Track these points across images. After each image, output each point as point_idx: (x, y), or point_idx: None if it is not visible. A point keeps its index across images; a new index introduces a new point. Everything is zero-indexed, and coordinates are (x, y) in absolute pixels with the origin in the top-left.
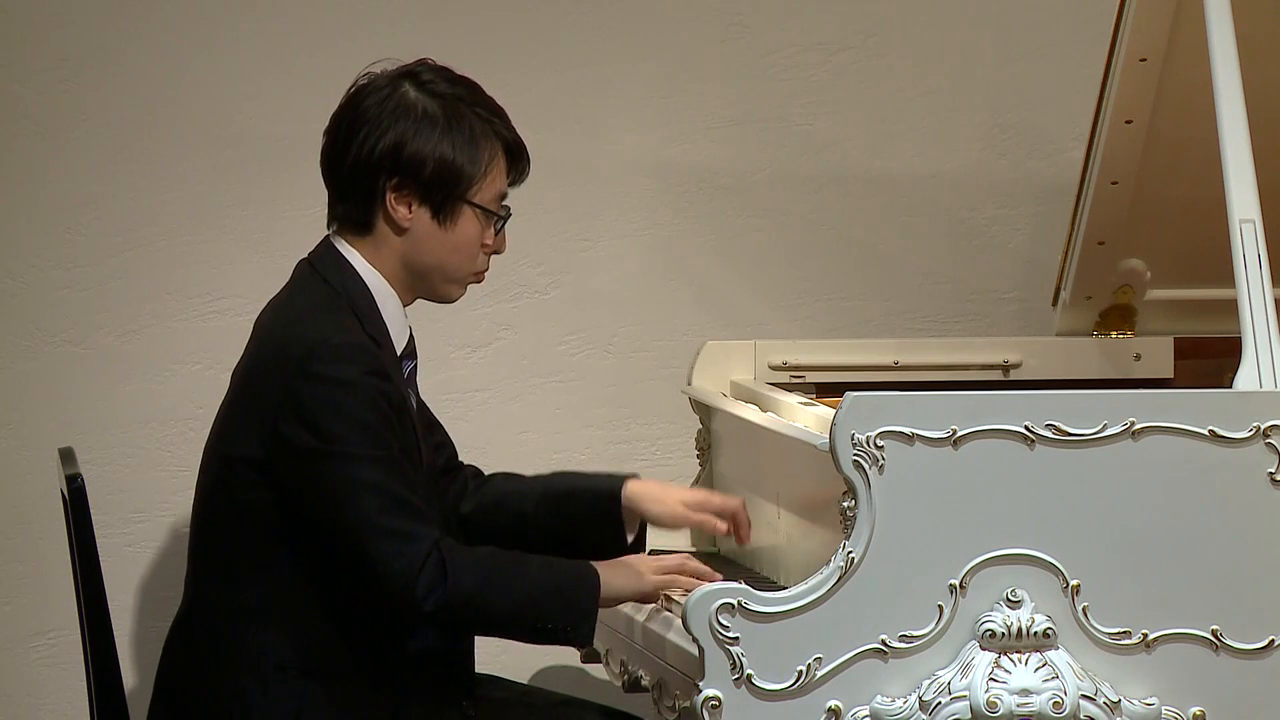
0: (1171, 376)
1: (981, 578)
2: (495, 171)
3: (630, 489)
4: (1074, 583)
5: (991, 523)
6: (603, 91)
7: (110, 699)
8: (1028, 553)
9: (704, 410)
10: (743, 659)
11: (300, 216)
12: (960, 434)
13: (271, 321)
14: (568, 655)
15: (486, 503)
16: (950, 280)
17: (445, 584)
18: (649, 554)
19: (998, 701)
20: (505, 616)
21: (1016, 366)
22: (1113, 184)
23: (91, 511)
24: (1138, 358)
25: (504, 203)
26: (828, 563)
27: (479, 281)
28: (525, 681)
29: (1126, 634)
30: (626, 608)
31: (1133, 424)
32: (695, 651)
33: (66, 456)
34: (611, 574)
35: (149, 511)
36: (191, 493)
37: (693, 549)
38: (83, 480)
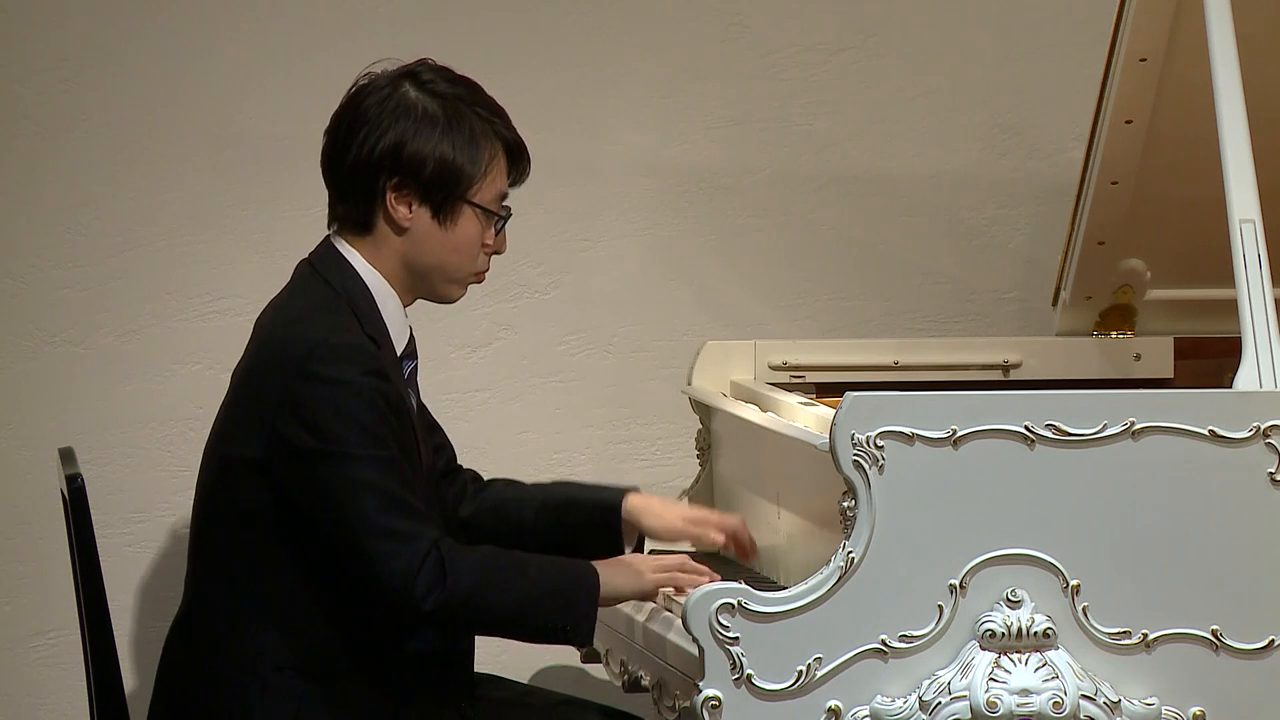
0: (1171, 376)
1: (981, 578)
2: (495, 171)
3: (631, 502)
4: (1074, 583)
5: (991, 523)
6: (603, 91)
7: (110, 699)
8: (1028, 553)
9: (704, 410)
10: (743, 659)
11: (300, 216)
12: (960, 434)
13: (271, 322)
14: (568, 655)
15: (485, 508)
16: (950, 280)
17: (444, 584)
18: (649, 554)
19: (998, 701)
20: (505, 616)
21: (1016, 366)
22: (1113, 184)
23: (91, 511)
24: (1138, 358)
25: (504, 203)
26: (828, 563)
27: (479, 282)
28: (525, 681)
29: (1126, 634)
30: (626, 608)
31: (1133, 424)
32: (695, 651)
33: (66, 456)
34: (611, 573)
35: (149, 511)
36: (191, 493)
37: (693, 549)
38: (83, 480)
